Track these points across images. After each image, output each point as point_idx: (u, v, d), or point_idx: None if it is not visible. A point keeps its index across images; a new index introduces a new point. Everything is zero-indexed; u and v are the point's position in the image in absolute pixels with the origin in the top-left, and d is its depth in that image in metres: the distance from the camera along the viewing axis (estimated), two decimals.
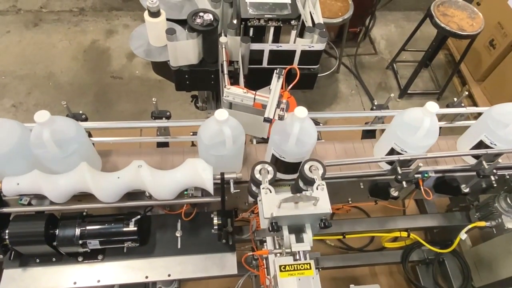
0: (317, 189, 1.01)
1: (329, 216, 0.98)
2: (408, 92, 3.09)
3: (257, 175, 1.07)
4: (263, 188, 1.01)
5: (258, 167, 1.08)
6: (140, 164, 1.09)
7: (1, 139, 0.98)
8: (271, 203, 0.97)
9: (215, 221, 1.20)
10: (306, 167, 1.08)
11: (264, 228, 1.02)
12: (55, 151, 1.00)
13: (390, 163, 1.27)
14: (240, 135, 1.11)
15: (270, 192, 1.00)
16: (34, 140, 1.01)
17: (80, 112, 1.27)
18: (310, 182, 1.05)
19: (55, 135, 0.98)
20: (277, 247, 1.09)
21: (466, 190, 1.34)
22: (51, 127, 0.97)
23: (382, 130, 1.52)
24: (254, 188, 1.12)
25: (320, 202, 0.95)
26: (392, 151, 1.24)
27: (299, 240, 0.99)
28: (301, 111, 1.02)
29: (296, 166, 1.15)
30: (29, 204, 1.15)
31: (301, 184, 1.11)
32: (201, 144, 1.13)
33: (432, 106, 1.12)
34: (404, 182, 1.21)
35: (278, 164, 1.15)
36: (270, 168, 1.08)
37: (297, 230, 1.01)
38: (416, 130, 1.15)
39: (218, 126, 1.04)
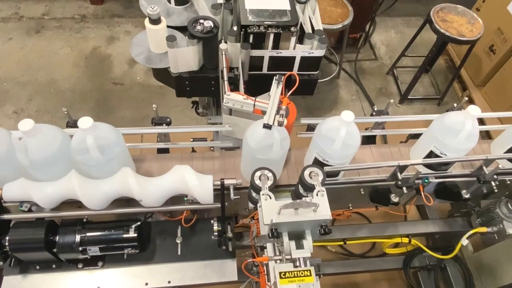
0: (317, 195, 1.01)
1: (329, 222, 0.98)
2: (409, 97, 3.09)
3: (257, 181, 1.07)
4: (263, 194, 1.00)
5: (258, 173, 1.08)
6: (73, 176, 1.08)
7: (44, 144, 1.00)
8: (271, 210, 0.96)
9: (215, 227, 1.19)
10: (306, 173, 1.08)
11: (264, 234, 1.02)
12: (98, 156, 1.01)
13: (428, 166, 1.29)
14: (286, 139, 1.13)
15: (270, 198, 1.00)
16: (76, 146, 1.02)
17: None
18: (310, 188, 1.05)
19: (97, 140, 1.00)
20: (277, 253, 1.08)
21: (467, 196, 1.33)
22: (94, 133, 0.98)
23: (382, 136, 1.53)
24: (254, 194, 1.12)
25: (320, 208, 0.95)
26: (430, 154, 1.25)
27: (299, 246, 0.99)
28: (348, 115, 1.05)
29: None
30: (30, 210, 1.15)
31: (301, 190, 1.11)
32: (246, 147, 1.13)
33: (475, 110, 1.12)
34: (404, 188, 1.21)
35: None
36: (270, 174, 1.08)
37: (297, 237, 1.01)
38: (457, 133, 1.16)
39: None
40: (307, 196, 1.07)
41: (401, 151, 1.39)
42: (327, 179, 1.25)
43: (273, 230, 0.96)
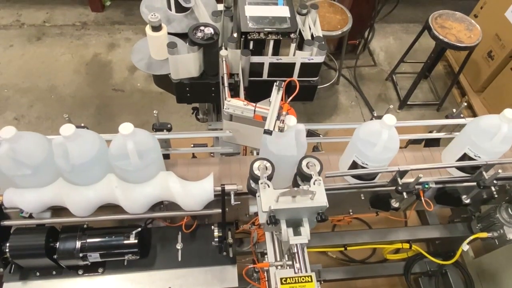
0: (314, 184, 1.01)
1: (325, 209, 0.98)
2: (408, 103, 3.10)
3: (256, 171, 1.07)
4: (261, 183, 1.00)
5: (257, 164, 1.08)
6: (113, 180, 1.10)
7: (84, 149, 1.01)
8: (269, 197, 0.97)
9: (216, 233, 1.19)
10: (304, 163, 1.09)
11: (262, 222, 1.02)
12: (137, 161, 1.03)
13: (461, 169, 1.31)
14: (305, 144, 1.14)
15: (269, 187, 1.00)
16: (115, 151, 1.04)
17: (82, 124, 1.28)
18: (307, 178, 1.06)
19: (137, 146, 1.02)
20: (278, 259, 1.08)
21: (467, 201, 1.33)
22: (134, 138, 0.99)
23: None
24: (253, 185, 1.12)
25: (316, 195, 0.96)
26: (464, 157, 1.26)
27: (297, 233, 0.99)
28: (390, 119, 1.06)
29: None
30: (30, 217, 1.15)
31: (298, 180, 1.12)
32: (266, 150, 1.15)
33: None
34: (404, 193, 1.21)
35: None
36: (268, 164, 1.08)
37: (295, 224, 1.00)
38: (492, 136, 1.17)
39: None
40: (304, 185, 1.07)
41: (406, 156, 1.40)
42: (332, 185, 1.26)
43: (271, 217, 0.96)
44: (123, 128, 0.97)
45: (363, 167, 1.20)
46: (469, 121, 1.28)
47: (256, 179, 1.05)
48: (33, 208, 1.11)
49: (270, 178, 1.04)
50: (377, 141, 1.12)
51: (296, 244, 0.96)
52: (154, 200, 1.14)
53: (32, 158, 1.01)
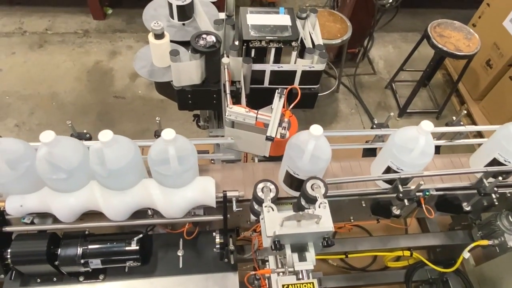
0: (319, 207, 1.01)
1: (331, 234, 0.98)
2: (408, 111, 3.12)
3: (260, 193, 1.08)
4: (265, 206, 1.01)
5: (261, 185, 1.09)
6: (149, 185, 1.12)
7: (120, 155, 1.03)
8: (274, 222, 0.97)
9: (217, 239, 1.20)
10: (308, 185, 1.09)
11: (267, 247, 1.02)
12: (176, 166, 1.05)
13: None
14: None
15: (273, 210, 1.01)
16: (154, 156, 1.06)
17: (85, 131, 1.28)
18: (312, 200, 1.06)
19: (177, 151, 1.04)
20: (280, 266, 1.08)
21: (468, 208, 1.34)
22: (175, 144, 1.02)
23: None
24: (256, 207, 1.12)
25: (322, 220, 0.96)
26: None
27: (302, 259, 0.99)
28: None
29: None
30: (32, 223, 1.15)
31: (303, 202, 1.12)
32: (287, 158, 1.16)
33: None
34: (405, 200, 1.22)
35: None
36: (272, 186, 1.09)
37: (300, 249, 1.01)
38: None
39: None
40: (309, 208, 1.07)
41: (361, 165, 1.39)
42: (333, 192, 1.26)
43: (276, 242, 0.96)
44: (166, 134, 1.00)
45: (396, 172, 1.20)
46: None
47: (259, 201, 1.05)
48: (67, 214, 1.11)
49: (274, 200, 1.05)
50: (414, 147, 1.12)
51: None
52: (192, 205, 1.16)
53: (68, 162, 1.02)
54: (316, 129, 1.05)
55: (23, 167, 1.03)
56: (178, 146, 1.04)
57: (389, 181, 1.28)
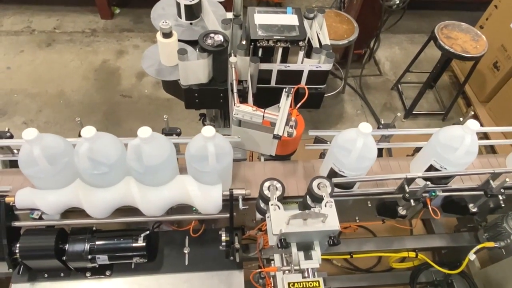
0: (325, 206, 1.01)
1: (337, 233, 0.98)
2: (414, 112, 3.11)
3: (266, 192, 1.08)
4: (271, 205, 1.01)
5: (267, 184, 1.10)
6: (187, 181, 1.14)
7: (158, 151, 1.05)
8: (280, 220, 0.97)
9: (223, 237, 1.20)
10: (315, 184, 1.09)
11: (272, 245, 1.03)
12: (214, 164, 1.07)
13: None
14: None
15: (279, 208, 1.01)
16: (195, 152, 1.09)
17: None
18: (318, 199, 1.06)
19: (216, 149, 1.06)
20: (285, 264, 1.08)
21: (474, 210, 1.33)
22: (214, 141, 1.04)
23: (388, 149, 1.54)
24: (262, 205, 1.12)
25: (328, 219, 0.96)
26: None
27: (308, 257, 0.99)
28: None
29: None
30: (40, 218, 1.16)
31: (309, 201, 1.12)
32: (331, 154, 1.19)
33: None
34: (412, 201, 1.21)
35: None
36: (278, 185, 1.09)
37: (306, 247, 1.01)
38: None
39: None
40: (315, 207, 1.07)
41: (407, 165, 1.40)
42: (339, 191, 1.26)
43: (282, 240, 0.96)
44: (206, 131, 1.02)
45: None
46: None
47: (266, 199, 1.06)
48: (102, 210, 1.13)
49: (280, 199, 1.05)
50: (460, 145, 1.13)
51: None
52: (64, 207, 1.15)
53: (108, 157, 1.04)
54: (365, 127, 1.07)
55: (62, 162, 1.05)
56: (217, 143, 1.06)
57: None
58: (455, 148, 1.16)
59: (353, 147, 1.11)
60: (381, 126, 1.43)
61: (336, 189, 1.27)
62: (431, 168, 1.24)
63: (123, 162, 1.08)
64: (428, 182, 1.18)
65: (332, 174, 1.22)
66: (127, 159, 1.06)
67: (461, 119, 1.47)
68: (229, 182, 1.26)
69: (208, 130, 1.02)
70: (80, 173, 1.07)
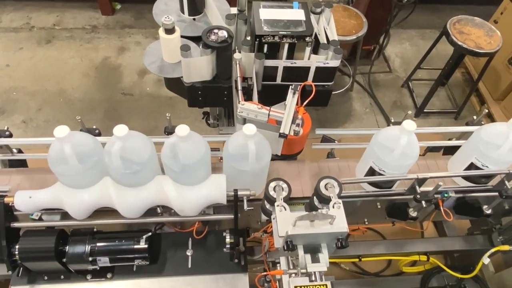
0: (333, 207, 1.01)
1: (346, 235, 0.98)
2: (425, 111, 3.08)
3: (272, 192, 1.08)
4: (277, 206, 1.01)
5: (273, 184, 1.09)
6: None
7: (194, 150, 1.07)
8: (286, 221, 0.97)
9: (228, 239, 1.20)
10: (322, 184, 1.08)
11: (278, 247, 1.02)
12: (254, 163, 1.10)
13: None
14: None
15: (285, 209, 1.01)
16: (234, 151, 1.11)
17: (94, 127, 1.30)
18: (326, 200, 1.06)
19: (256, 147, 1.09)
20: (292, 267, 1.08)
21: (488, 212, 1.32)
22: (254, 139, 1.06)
23: None
24: (268, 206, 1.12)
25: (336, 220, 0.95)
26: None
27: (315, 260, 0.99)
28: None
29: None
30: (40, 219, 1.17)
31: (316, 202, 1.12)
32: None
33: None
34: (423, 202, 1.21)
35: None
36: (284, 185, 1.09)
37: (313, 250, 1.01)
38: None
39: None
40: (322, 209, 1.07)
41: (418, 164, 1.39)
42: (348, 192, 1.26)
43: (288, 242, 0.96)
44: (247, 129, 1.04)
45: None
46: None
47: (271, 200, 1.05)
48: (135, 209, 1.14)
49: (286, 199, 1.05)
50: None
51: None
52: (96, 205, 1.16)
53: (140, 156, 1.06)
54: (409, 124, 1.07)
55: (92, 161, 1.06)
56: (257, 141, 1.07)
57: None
58: (498, 146, 1.16)
59: (396, 145, 1.11)
60: (391, 125, 1.42)
61: (369, 189, 1.29)
62: (471, 166, 1.25)
63: (155, 160, 1.11)
64: (441, 183, 1.17)
65: (371, 173, 1.23)
66: (163, 157, 1.08)
67: (475, 117, 1.46)
68: (264, 182, 1.25)
69: (249, 128, 1.04)
70: (111, 172, 1.09)
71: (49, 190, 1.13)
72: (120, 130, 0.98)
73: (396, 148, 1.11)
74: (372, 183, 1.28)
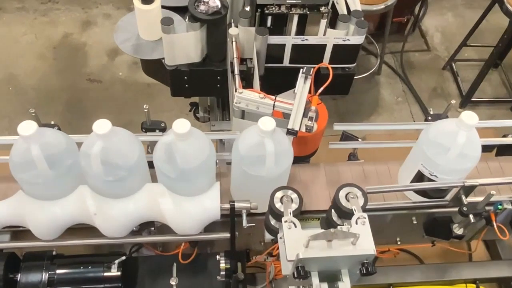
0: (356, 223, 1.01)
1: (372, 259, 0.98)
2: (473, 99, 3.08)
3: (278, 205, 1.08)
4: (285, 222, 1.01)
5: (279, 194, 1.09)
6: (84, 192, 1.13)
7: (195, 151, 1.07)
8: (297, 241, 0.97)
9: (222, 264, 1.20)
10: (342, 194, 1.09)
11: (287, 274, 1.03)
12: (272, 166, 1.10)
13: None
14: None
15: (295, 226, 1.01)
16: (245, 151, 1.11)
17: (52, 122, 1.30)
18: (347, 215, 1.06)
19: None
20: None
21: None
22: (273, 136, 1.06)
23: None
24: (273, 222, 1.12)
25: (360, 240, 0.95)
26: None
27: None
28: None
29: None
30: None
31: (334, 217, 1.12)
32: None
33: None
34: (471, 216, 1.21)
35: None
36: (294, 196, 1.09)
37: (331, 278, 1.01)
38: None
39: None
40: (343, 225, 1.07)
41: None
42: (374, 204, 1.26)
43: (300, 268, 0.96)
44: (264, 123, 1.03)
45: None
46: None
47: (278, 215, 1.06)
48: (120, 227, 1.15)
49: (297, 214, 1.05)
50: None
51: None
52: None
53: (126, 159, 1.06)
54: (470, 116, 1.07)
55: (65, 166, 1.06)
56: (276, 139, 1.06)
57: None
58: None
59: (452, 143, 1.11)
60: (429, 118, 1.42)
61: (415, 198, 1.29)
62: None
63: (144, 165, 1.11)
64: (493, 192, 1.17)
65: (419, 178, 1.22)
66: (155, 160, 1.08)
67: None
68: None
69: (267, 123, 1.03)
70: (89, 180, 1.09)
71: (7, 203, 1.13)
72: (102, 126, 0.97)
73: (452, 147, 1.11)
74: (418, 192, 1.27)
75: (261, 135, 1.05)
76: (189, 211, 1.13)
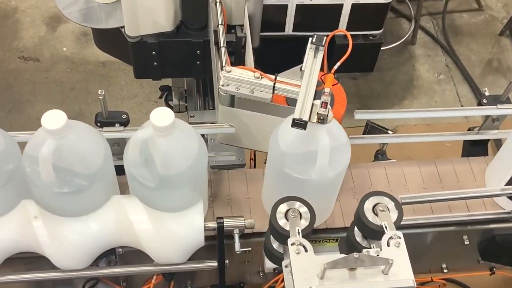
0: (388, 245, 1.01)
1: None
2: None
3: (282, 221, 1.08)
4: (292, 245, 1.01)
5: (283, 207, 1.09)
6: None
7: (177, 152, 1.07)
8: (308, 271, 0.97)
9: None
10: (368, 206, 1.09)
11: None
12: (325, 167, 1.12)
13: None
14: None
15: (306, 251, 1.01)
16: (286, 148, 1.13)
17: None
18: (375, 233, 1.06)
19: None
20: None
21: None
22: (327, 127, 1.09)
23: (498, 141, 1.54)
24: (275, 245, 1.13)
25: (395, 267, 0.96)
26: None
27: None
28: None
29: None
30: None
31: (358, 237, 1.12)
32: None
33: None
34: None
35: None
36: (304, 209, 1.09)
37: None
38: None
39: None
40: (370, 248, 1.07)
41: (473, 170, 1.41)
42: (419, 217, 1.26)
43: None
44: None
45: None
46: None
47: (282, 235, 1.06)
48: (75, 256, 1.14)
49: (307, 233, 1.05)
50: None
51: None
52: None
53: (86, 165, 1.06)
54: None
55: (3, 172, 1.07)
56: (330, 130, 1.09)
57: None
58: None
59: None
60: (484, 101, 1.43)
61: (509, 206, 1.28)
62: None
63: (110, 171, 1.12)
64: None
65: None
66: (126, 164, 1.08)
67: None
68: (332, 203, 1.29)
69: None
70: (36, 191, 1.09)
71: None
72: (54, 119, 0.96)
73: None
74: None
75: (311, 126, 1.06)
76: (174, 232, 1.12)
